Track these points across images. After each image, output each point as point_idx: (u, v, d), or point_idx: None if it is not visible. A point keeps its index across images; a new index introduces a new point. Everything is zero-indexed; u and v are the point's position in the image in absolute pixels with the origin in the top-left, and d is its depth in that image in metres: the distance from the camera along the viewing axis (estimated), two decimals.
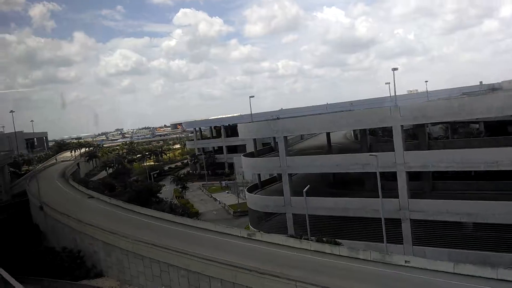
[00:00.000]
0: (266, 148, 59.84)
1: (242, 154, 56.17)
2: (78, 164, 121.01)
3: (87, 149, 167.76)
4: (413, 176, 42.57)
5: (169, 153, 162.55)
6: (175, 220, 46.94)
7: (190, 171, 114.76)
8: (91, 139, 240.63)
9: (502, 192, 39.63)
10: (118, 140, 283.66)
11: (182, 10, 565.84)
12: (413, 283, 28.51)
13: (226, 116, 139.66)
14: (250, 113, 61.87)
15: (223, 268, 32.39)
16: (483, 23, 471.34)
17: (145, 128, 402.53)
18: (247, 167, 53.00)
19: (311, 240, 37.97)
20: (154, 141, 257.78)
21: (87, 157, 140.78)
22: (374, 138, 61.34)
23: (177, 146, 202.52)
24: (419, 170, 40.47)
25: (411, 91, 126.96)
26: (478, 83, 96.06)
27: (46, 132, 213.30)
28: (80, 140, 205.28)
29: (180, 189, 76.35)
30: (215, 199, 79.46)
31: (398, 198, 40.10)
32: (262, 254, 35.95)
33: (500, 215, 35.06)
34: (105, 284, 42.39)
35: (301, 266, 32.23)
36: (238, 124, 55.52)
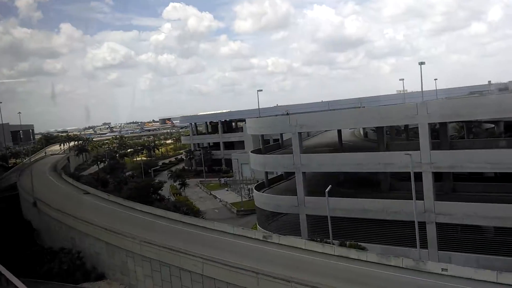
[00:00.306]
0: (274, 145, 57.25)
1: (250, 151, 53.58)
2: (68, 158, 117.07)
3: (76, 142, 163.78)
4: None
5: (161, 148, 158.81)
6: (183, 219, 44.05)
7: (186, 167, 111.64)
8: (78, 133, 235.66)
9: None
10: (107, 134, 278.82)
11: (171, 4, 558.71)
12: None
13: (222, 111, 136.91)
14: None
15: (243, 275, 29.73)
16: (471, 25, 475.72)
17: (133, 122, 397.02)
18: (256, 164, 50.35)
19: (332, 244, 35.53)
20: (144, 135, 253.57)
21: (77, 151, 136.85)
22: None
23: (169, 141, 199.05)
24: (446, 171, 38.25)
25: (400, 91, 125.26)
26: (468, 84, 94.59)
27: (32, 125, 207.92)
28: (67, 134, 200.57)
29: (179, 186, 73.40)
30: (215, 197, 76.81)
31: (423, 200, 37.76)
32: (281, 258, 33.43)
33: None
34: None
35: (330, 274, 29.82)
36: (246, 119, 52.80)
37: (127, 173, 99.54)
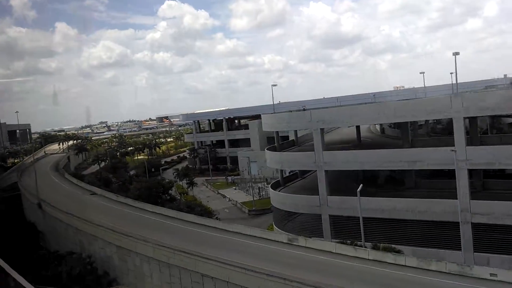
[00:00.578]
0: (288, 142, 54.79)
1: (266, 148, 51.02)
2: (68, 157, 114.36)
3: (74, 141, 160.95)
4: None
5: (162, 146, 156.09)
6: (198, 221, 41.63)
7: (190, 166, 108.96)
8: (76, 132, 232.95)
9: None
10: (104, 133, 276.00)
11: (167, 2, 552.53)
12: None
13: (220, 109, 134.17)
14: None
15: (274, 282, 27.33)
16: (467, 21, 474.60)
17: (129, 121, 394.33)
18: (273, 162, 47.95)
19: (364, 247, 33.22)
20: (143, 134, 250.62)
21: (76, 150, 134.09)
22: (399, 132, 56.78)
23: (169, 139, 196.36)
24: (483, 168, 35.98)
25: (397, 87, 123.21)
26: (465, 80, 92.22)
27: (29, 124, 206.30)
28: (65, 133, 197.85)
29: (187, 185, 70.90)
30: (224, 196, 74.37)
31: (457, 199, 35.44)
32: (311, 263, 31.08)
33: None
34: None
35: (367, 280, 27.63)
36: (261, 115, 50.30)
37: (130, 172, 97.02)
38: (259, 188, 68.86)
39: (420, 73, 66.97)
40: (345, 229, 40.88)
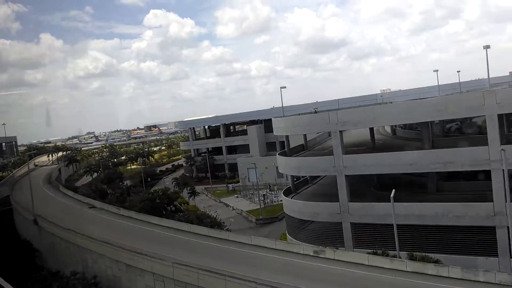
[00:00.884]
0: (298, 146, 52.17)
1: (278, 153, 48.31)
2: (59, 169, 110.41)
3: (64, 153, 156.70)
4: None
5: (155, 155, 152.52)
6: (211, 234, 38.73)
7: (186, 174, 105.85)
8: (63, 143, 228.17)
9: None
10: (93, 144, 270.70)
11: (152, 11, 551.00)
12: None
13: (208, 116, 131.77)
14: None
15: None
16: (449, 24, 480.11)
17: (117, 131, 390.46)
18: (288, 168, 45.24)
19: (397, 257, 30.67)
20: (133, 143, 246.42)
21: (67, 161, 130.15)
22: (413, 133, 54.52)
23: (161, 148, 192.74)
24: None
25: (384, 90, 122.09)
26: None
27: (15, 137, 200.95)
28: (55, 144, 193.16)
29: (188, 194, 67.75)
30: (226, 205, 71.40)
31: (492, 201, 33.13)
32: (344, 278, 28.51)
33: None
34: None
35: None
36: (273, 119, 47.54)
37: (125, 183, 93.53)
38: (263, 195, 66.12)
39: (434, 71, 66.17)
40: (369, 238, 38.36)
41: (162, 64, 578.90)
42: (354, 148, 47.49)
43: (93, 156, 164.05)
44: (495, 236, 33.38)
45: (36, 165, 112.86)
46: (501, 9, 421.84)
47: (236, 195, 78.23)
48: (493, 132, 32.51)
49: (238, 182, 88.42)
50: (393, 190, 31.22)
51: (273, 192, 73.37)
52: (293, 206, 44.64)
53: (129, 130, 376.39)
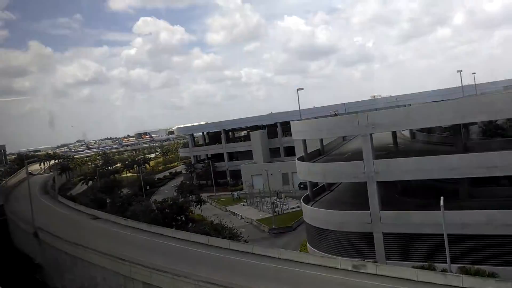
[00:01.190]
0: (314, 152, 49.34)
1: (297, 158, 45.39)
2: (54, 178, 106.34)
3: (56, 161, 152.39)
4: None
5: (151, 162, 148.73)
6: (233, 247, 35.67)
7: (186, 182, 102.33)
8: (52, 151, 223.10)
9: None
10: (84, 152, 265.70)
11: (142, 19, 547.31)
12: None
13: (200, 123, 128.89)
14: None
15: None
16: (437, 30, 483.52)
17: (107, 138, 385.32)
18: (309, 174, 42.41)
19: (448, 271, 27.90)
20: (126, 151, 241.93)
21: (59, 170, 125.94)
22: (436, 136, 52.14)
23: (154, 155, 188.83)
24: None
25: (374, 96, 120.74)
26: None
27: (4, 145, 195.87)
28: (47, 152, 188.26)
29: (195, 203, 64.46)
30: (233, 213, 68.22)
31: None
32: None
33: None
34: None
35: None
36: (292, 122, 44.66)
37: (124, 191, 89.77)
38: (273, 203, 63.05)
39: (458, 71, 65.06)
40: (403, 249, 35.55)
41: (152, 71, 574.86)
42: (377, 153, 44.84)
43: (86, 164, 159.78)
44: None
45: (30, 173, 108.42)
46: (488, 15, 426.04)
47: (242, 203, 75.03)
48: None
49: (242, 189, 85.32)
50: (441, 198, 28.46)
51: (281, 200, 70.36)
52: (316, 215, 41.74)
53: (119, 138, 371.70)
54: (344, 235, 39.18)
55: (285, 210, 65.17)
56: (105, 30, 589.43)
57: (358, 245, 38.49)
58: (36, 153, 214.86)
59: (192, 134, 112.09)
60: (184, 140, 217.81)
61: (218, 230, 42.53)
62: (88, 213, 53.90)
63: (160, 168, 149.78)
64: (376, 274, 28.37)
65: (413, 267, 29.03)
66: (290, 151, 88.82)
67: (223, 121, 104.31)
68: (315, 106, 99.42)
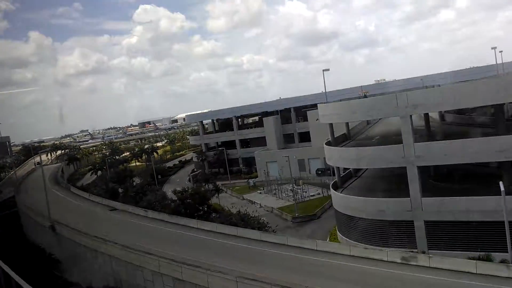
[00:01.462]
0: (340, 136, 46.98)
1: (325, 143, 42.98)
2: (62, 168, 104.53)
3: (63, 151, 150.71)
4: None
5: (159, 150, 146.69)
6: (265, 238, 33.54)
7: (196, 170, 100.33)
8: (57, 142, 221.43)
9: None
10: (89, 142, 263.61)
11: (142, 7, 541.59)
12: None
13: (204, 111, 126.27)
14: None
15: None
16: (440, 13, 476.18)
17: (111, 128, 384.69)
18: (344, 160, 40.01)
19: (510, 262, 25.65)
20: (131, 140, 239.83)
21: (67, 160, 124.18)
22: (466, 118, 49.50)
23: (161, 143, 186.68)
24: None
25: (378, 81, 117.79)
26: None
27: (8, 137, 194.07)
28: (53, 143, 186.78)
29: (213, 191, 62.25)
30: (251, 202, 66.04)
31: None
32: None
33: None
34: None
35: None
36: (318, 105, 42.25)
37: (134, 181, 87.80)
38: (292, 190, 60.87)
39: (492, 48, 61.11)
40: (447, 238, 33.33)
41: (153, 59, 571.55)
42: (397, 137, 42.38)
43: (93, 154, 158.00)
44: None
45: (39, 163, 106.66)
46: None
47: (259, 191, 72.88)
48: None
49: (257, 177, 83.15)
50: (501, 182, 26.05)
51: (300, 187, 68.14)
52: (348, 203, 39.53)
53: (123, 127, 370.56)
54: (380, 223, 36.94)
55: (305, 197, 62.95)
56: (105, 19, 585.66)
57: (396, 234, 36.30)
58: (42, 144, 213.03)
59: (202, 122, 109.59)
60: (190, 128, 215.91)
61: (245, 221, 40.35)
62: (105, 204, 51.85)
63: (168, 156, 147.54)
64: (429, 267, 26.19)
65: (469, 258, 26.88)
66: (304, 137, 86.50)
67: (235, 107, 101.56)
68: (322, 91, 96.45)
